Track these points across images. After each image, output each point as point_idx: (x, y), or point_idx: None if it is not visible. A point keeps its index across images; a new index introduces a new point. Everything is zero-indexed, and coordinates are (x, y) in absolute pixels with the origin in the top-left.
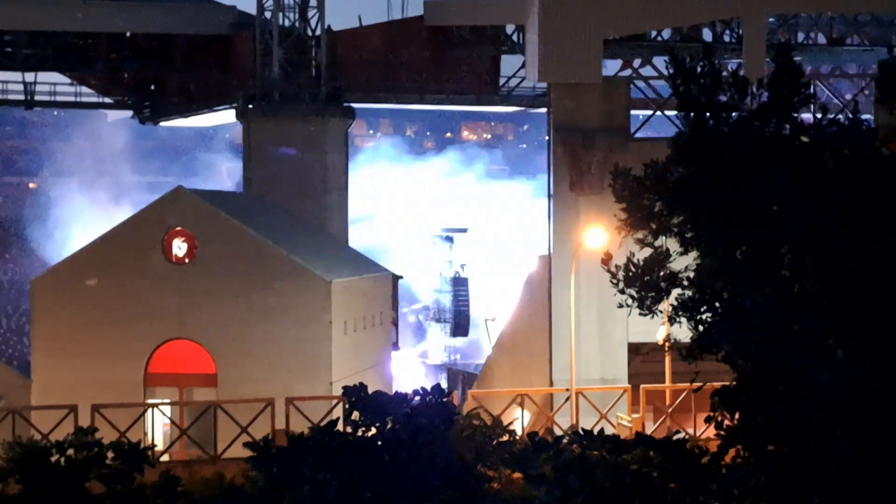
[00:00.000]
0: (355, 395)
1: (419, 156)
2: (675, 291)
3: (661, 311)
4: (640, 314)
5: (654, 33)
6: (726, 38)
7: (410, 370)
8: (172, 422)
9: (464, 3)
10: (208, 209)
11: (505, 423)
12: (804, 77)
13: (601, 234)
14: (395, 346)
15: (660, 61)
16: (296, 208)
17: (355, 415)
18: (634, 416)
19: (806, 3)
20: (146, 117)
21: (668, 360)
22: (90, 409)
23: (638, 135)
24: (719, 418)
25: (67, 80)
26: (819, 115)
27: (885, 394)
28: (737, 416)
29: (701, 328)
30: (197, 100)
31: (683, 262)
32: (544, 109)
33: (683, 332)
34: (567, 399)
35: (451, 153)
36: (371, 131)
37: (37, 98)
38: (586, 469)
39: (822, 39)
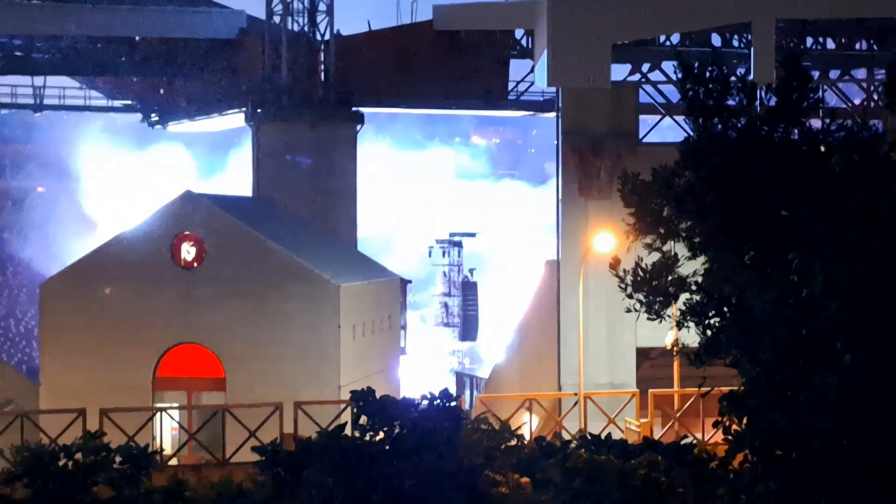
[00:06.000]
0: (363, 400)
1: (425, 147)
2: (684, 296)
3: (669, 316)
4: (649, 319)
5: (662, 38)
6: (735, 44)
7: (418, 375)
8: (181, 426)
9: (473, 7)
10: (217, 213)
11: (513, 427)
12: (813, 82)
13: (609, 239)
14: (403, 350)
15: (668, 66)
16: (304, 212)
17: (363, 419)
18: (643, 420)
19: (815, 7)
20: (155, 121)
21: (676, 364)
22: (98, 412)
23: (646, 139)
24: (727, 423)
25: (76, 84)
26: (827, 120)
27: (894, 399)
28: (745, 420)
29: (709, 333)
30: (206, 104)
31: (691, 267)
32: (553, 114)
33: (692, 336)
34: (575, 403)
35: (459, 155)
36: (380, 136)
37: (46, 102)
38: (594, 474)
39: (830, 44)
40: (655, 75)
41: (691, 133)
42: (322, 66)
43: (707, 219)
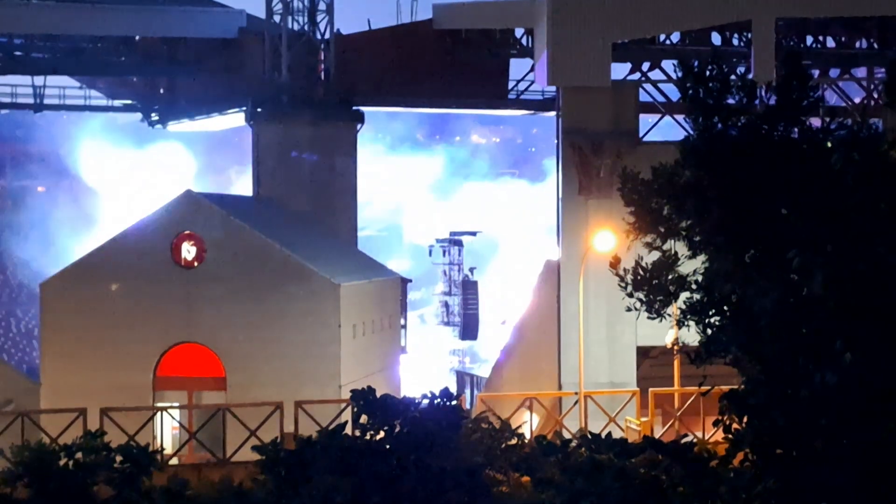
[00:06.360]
0: (363, 399)
1: (425, 148)
2: (684, 295)
3: (669, 315)
4: (649, 318)
5: (662, 37)
6: (735, 42)
7: (418, 374)
8: (181, 425)
9: (473, 6)
10: (217, 213)
11: (514, 426)
12: (813, 81)
13: (610, 238)
14: (404, 349)
15: (668, 65)
16: (304, 211)
17: (364, 418)
18: (643, 419)
19: (815, 6)
20: (155, 121)
21: (676, 363)
22: (99, 412)
23: (646, 138)
24: (727, 422)
25: (76, 84)
26: (828, 119)
27: (894, 398)
28: (745, 419)
29: (709, 331)
30: (206, 103)
31: (692, 266)
32: (553, 113)
33: (692, 335)
34: (576, 402)
35: (458, 155)
36: (379, 134)
37: (46, 101)
38: (594, 473)
39: (830, 43)
40: (656, 74)
41: (691, 132)
42: (322, 66)
43: (707, 218)
